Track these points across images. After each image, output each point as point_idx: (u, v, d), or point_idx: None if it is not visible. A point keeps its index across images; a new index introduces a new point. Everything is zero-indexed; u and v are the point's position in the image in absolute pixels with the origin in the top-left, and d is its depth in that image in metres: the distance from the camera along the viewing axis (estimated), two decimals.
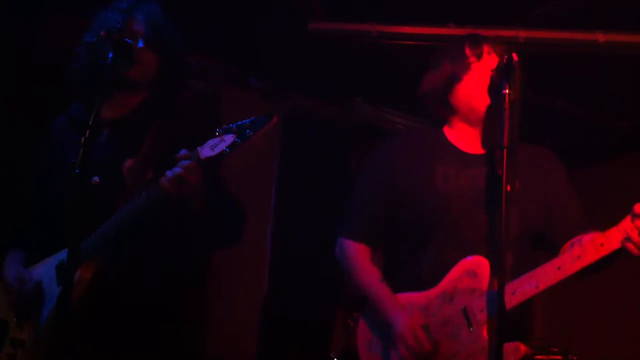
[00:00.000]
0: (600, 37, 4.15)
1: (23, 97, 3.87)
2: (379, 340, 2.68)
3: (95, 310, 2.51)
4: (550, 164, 2.80)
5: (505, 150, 2.37)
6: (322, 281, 4.99)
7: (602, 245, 2.45)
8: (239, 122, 2.37)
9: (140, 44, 2.66)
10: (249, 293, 4.95)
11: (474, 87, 2.69)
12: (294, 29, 4.26)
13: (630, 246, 2.40)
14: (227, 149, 2.34)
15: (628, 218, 2.42)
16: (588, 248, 2.46)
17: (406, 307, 2.62)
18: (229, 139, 2.34)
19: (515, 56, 2.49)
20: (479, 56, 2.71)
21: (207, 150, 2.38)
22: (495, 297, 2.39)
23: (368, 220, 2.82)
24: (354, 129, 5.29)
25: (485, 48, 2.73)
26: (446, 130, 2.82)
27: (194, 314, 2.75)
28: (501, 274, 2.33)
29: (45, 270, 2.66)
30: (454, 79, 2.74)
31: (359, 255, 2.80)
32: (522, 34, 4.10)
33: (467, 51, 2.74)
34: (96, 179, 2.46)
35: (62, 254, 2.57)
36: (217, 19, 4.22)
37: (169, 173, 2.41)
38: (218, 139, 2.37)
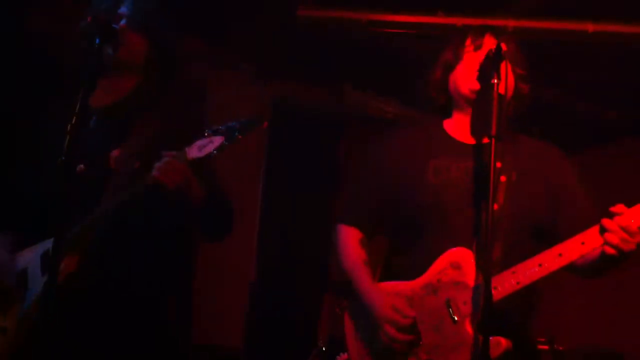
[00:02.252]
0: (590, 27, 4.16)
1: (11, 85, 3.84)
2: (364, 325, 2.67)
3: (79, 301, 2.49)
4: (554, 158, 2.75)
5: (493, 140, 2.36)
6: (310, 269, 5.01)
7: (583, 243, 2.42)
8: (229, 124, 2.37)
9: (122, 22, 2.63)
10: (236, 282, 4.95)
11: (463, 73, 2.69)
12: (283, 15, 4.24)
13: (607, 248, 2.37)
14: (215, 151, 2.34)
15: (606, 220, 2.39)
16: (570, 245, 2.42)
17: (391, 296, 2.61)
18: (218, 140, 2.35)
19: (504, 46, 2.48)
20: (478, 47, 2.69)
21: (194, 151, 2.39)
22: (479, 290, 2.38)
23: (361, 207, 2.82)
24: (343, 115, 5.29)
25: (487, 39, 2.70)
26: (446, 122, 2.83)
27: (180, 305, 2.74)
28: (487, 267, 2.32)
29: (30, 257, 2.63)
30: (450, 68, 2.74)
31: (347, 238, 2.80)
32: (511, 23, 4.10)
33: (468, 41, 2.73)
34: (81, 166, 2.47)
35: (49, 243, 2.50)
36: (208, 3, 4.20)
37: (155, 172, 2.40)
38: (207, 139, 2.38)
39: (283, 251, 5.07)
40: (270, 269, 5.06)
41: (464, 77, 2.67)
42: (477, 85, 2.63)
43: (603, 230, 2.37)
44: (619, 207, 2.37)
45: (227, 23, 4.42)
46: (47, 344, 2.28)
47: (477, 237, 2.52)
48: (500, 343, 2.43)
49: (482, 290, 2.29)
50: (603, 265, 2.48)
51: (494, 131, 2.36)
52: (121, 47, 2.56)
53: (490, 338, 2.35)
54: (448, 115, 2.83)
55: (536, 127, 2.83)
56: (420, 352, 2.52)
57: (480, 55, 2.64)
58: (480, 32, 2.74)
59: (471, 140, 2.73)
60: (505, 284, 2.46)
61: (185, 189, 2.46)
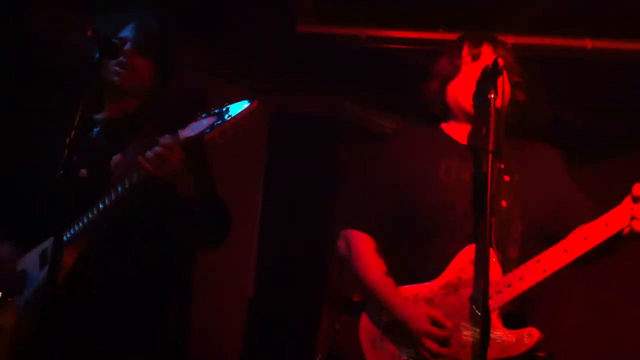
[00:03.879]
0: (588, 43, 4.18)
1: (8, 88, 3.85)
2: (384, 335, 2.62)
3: (76, 297, 2.51)
4: (550, 161, 2.77)
5: (490, 155, 2.37)
6: (309, 280, 4.99)
7: (607, 225, 2.44)
8: (220, 106, 2.42)
9: (127, 46, 2.67)
10: (234, 290, 4.94)
11: (462, 87, 2.68)
12: (283, 30, 4.27)
13: (637, 224, 2.41)
14: (207, 129, 2.38)
15: (629, 198, 2.43)
16: (594, 229, 2.44)
17: (410, 299, 2.57)
18: (210, 120, 2.39)
19: (501, 61, 2.49)
20: (475, 57, 2.69)
21: (187, 132, 2.43)
22: (501, 283, 2.43)
23: (373, 211, 2.74)
24: (341, 127, 5.30)
25: (484, 49, 2.71)
26: (444, 126, 2.82)
27: (177, 307, 2.76)
28: (484, 274, 2.30)
29: (29, 259, 2.66)
30: (447, 79, 2.74)
31: (364, 246, 2.71)
32: (511, 39, 4.11)
33: (465, 51, 2.72)
34: (83, 171, 2.52)
35: (46, 244, 2.60)
36: (207, 17, 4.23)
37: (149, 153, 2.44)
38: (199, 121, 2.43)
39: (281, 265, 5.05)
40: (269, 283, 5.04)
41: (465, 93, 2.67)
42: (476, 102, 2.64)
43: (636, 200, 2.40)
44: (638, 188, 2.40)
45: (226, 37, 4.44)
46: (46, 343, 2.31)
47: (491, 235, 2.43)
48: (532, 334, 2.44)
49: (482, 291, 2.27)
50: (621, 244, 2.49)
51: (491, 147, 2.37)
52: (129, 72, 2.62)
53: (523, 330, 2.42)
54: (441, 122, 2.83)
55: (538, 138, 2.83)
56: (447, 352, 2.48)
57: (479, 65, 2.63)
58: (477, 41, 2.73)
59: (472, 143, 2.73)
60: (531, 273, 2.46)
61: (178, 177, 2.49)
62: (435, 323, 2.49)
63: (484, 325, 2.25)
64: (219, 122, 2.37)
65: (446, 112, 2.80)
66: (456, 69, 2.71)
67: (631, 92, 4.63)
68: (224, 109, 2.40)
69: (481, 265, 2.39)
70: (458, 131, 2.77)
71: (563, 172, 2.75)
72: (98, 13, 2.80)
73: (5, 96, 3.80)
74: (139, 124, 2.70)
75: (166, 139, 2.43)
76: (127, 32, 2.72)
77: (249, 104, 2.39)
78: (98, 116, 2.76)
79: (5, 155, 2.97)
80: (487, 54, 2.68)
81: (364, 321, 2.68)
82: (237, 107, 2.38)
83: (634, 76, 4.44)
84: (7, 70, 3.80)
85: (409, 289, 2.61)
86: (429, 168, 2.69)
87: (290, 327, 4.87)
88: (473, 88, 2.63)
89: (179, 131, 2.44)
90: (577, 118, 5.16)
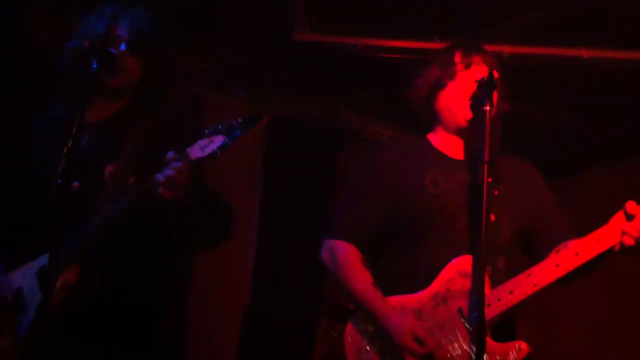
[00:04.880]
0: (584, 53, 4.19)
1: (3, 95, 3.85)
2: (370, 346, 2.63)
3: (79, 313, 2.51)
4: (531, 176, 2.83)
5: (485, 165, 2.38)
6: (306, 287, 4.98)
7: (598, 241, 2.49)
8: (228, 123, 2.36)
9: (123, 47, 2.66)
10: (232, 296, 4.92)
11: (456, 96, 2.70)
12: (279, 39, 4.27)
13: (627, 239, 2.47)
14: (218, 150, 2.32)
15: (620, 215, 2.49)
16: (585, 245, 2.49)
17: (397, 310, 2.59)
18: (219, 140, 2.33)
19: (495, 74, 2.50)
20: (468, 65, 2.71)
21: (197, 151, 2.36)
22: (490, 296, 2.45)
23: (359, 222, 2.76)
24: (338, 134, 5.30)
25: (475, 58, 2.73)
26: (430, 137, 2.84)
27: (176, 318, 2.76)
28: (479, 287, 2.32)
29: (24, 276, 2.63)
30: (438, 86, 2.75)
31: (350, 257, 2.73)
32: (507, 49, 4.13)
33: (457, 58, 2.74)
34: (75, 183, 2.48)
35: (43, 259, 2.55)
36: (203, 26, 4.23)
37: (159, 176, 2.39)
38: (207, 139, 2.36)
39: (279, 272, 5.04)
40: (266, 290, 5.03)
41: (459, 101, 2.69)
42: (469, 112, 2.66)
43: (630, 217, 2.47)
44: (631, 206, 2.47)
45: (222, 45, 4.44)
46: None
47: (479, 246, 2.50)
48: (521, 348, 2.45)
49: (477, 301, 2.29)
50: (594, 268, 2.55)
51: (486, 157, 2.38)
52: (119, 72, 2.61)
53: (512, 343, 2.44)
54: (430, 129, 2.85)
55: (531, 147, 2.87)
56: None
57: (470, 74, 2.67)
58: (468, 50, 2.76)
59: (459, 156, 2.77)
60: (521, 287, 2.49)
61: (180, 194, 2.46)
62: (417, 340, 2.51)
63: (479, 340, 2.25)
64: (229, 142, 2.31)
65: (433, 120, 2.82)
66: (449, 77, 2.72)
67: (626, 100, 4.65)
68: (233, 125, 2.34)
69: (475, 278, 2.41)
70: (445, 142, 2.80)
71: (544, 188, 2.81)
72: (91, 11, 2.78)
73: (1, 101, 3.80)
74: (129, 129, 2.67)
75: (177, 164, 2.38)
76: (120, 30, 2.69)
77: (258, 121, 2.34)
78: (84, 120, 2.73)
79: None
80: (478, 63, 2.71)
81: (350, 331, 2.68)
82: (247, 125, 2.33)
83: (628, 85, 4.46)
84: (4, 74, 3.81)
85: (396, 300, 2.63)
86: (414, 178, 2.70)
87: (287, 334, 4.87)
88: (467, 96, 2.64)
89: (187, 150, 2.39)
90: (570, 126, 5.17)
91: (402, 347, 2.52)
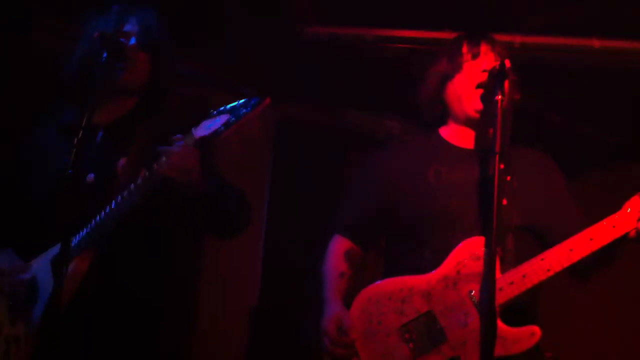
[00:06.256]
0: (595, 42, 4.17)
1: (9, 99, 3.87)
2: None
3: (90, 303, 2.52)
4: (545, 167, 2.82)
5: (497, 156, 2.37)
6: (314, 294, 4.96)
7: (614, 227, 2.46)
8: (233, 104, 2.38)
9: (133, 41, 2.67)
10: (239, 299, 4.92)
11: (464, 87, 2.71)
12: (285, 34, 4.25)
13: None
14: (222, 127, 2.32)
15: (636, 200, 2.46)
16: (600, 230, 2.46)
17: (405, 292, 2.57)
18: (224, 118, 2.34)
19: (507, 62, 2.49)
20: (475, 55, 2.72)
21: (201, 130, 2.38)
22: (502, 280, 2.42)
23: (356, 216, 2.83)
24: (346, 135, 5.29)
25: (483, 48, 2.73)
26: (442, 130, 2.85)
27: (182, 320, 2.76)
28: (491, 265, 2.28)
29: (40, 264, 2.65)
30: (447, 78, 2.76)
31: (334, 248, 2.81)
32: (518, 39, 4.11)
33: (464, 49, 2.75)
34: (91, 176, 2.52)
35: (57, 249, 2.52)
36: (208, 26, 4.22)
37: (164, 159, 2.40)
38: (212, 119, 2.38)
39: (287, 274, 5.02)
40: (273, 292, 5.02)
41: (468, 90, 2.69)
42: (481, 106, 2.65)
43: None
44: None
45: (227, 45, 4.43)
46: (60, 352, 2.30)
47: (488, 229, 2.48)
48: (534, 333, 2.43)
49: (488, 282, 2.26)
50: (611, 257, 2.53)
51: (498, 148, 2.37)
52: (129, 66, 2.62)
53: (525, 328, 2.40)
54: (443, 122, 2.84)
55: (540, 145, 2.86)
56: (445, 348, 2.48)
57: (478, 64, 2.67)
58: (475, 40, 2.76)
59: (470, 146, 2.76)
60: (534, 271, 2.46)
61: (189, 177, 2.47)
62: (340, 329, 2.53)
63: (489, 323, 2.22)
64: (233, 119, 2.32)
65: (444, 113, 2.82)
66: (457, 67, 2.73)
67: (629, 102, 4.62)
68: (237, 105, 2.35)
69: (486, 261, 2.36)
70: (456, 134, 2.80)
71: (558, 181, 2.79)
72: (98, 13, 2.80)
73: (6, 102, 3.81)
74: (140, 125, 2.69)
75: (181, 143, 2.40)
76: (129, 26, 2.71)
77: (262, 101, 2.34)
78: (96, 119, 2.70)
79: (8, 158, 2.97)
80: (486, 53, 2.72)
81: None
82: (250, 105, 2.33)
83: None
84: (8, 77, 3.83)
85: (404, 281, 2.61)
86: (417, 174, 2.72)
87: (294, 337, 4.85)
88: (474, 85, 2.65)
89: (193, 130, 2.40)
90: (577, 125, 5.15)
91: (322, 331, 2.56)
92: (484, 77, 2.60)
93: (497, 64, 2.50)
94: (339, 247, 2.80)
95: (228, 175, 2.73)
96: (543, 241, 2.67)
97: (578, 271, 2.57)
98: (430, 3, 4.11)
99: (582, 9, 4.00)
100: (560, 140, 5.00)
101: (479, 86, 2.63)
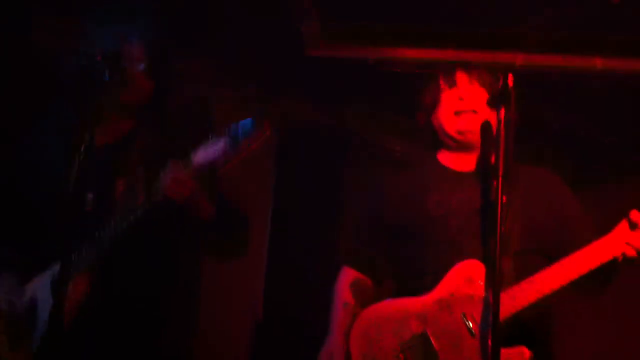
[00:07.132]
0: (598, 62, 4.17)
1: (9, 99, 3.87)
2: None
3: (92, 317, 2.54)
4: (548, 184, 2.84)
5: (500, 179, 2.37)
6: (319, 298, 4.94)
7: (601, 250, 2.50)
8: (231, 127, 2.41)
9: (141, 67, 2.68)
10: (243, 314, 4.91)
11: (443, 115, 2.83)
12: (291, 51, 4.27)
13: (629, 249, 2.48)
14: (220, 156, 2.38)
15: (624, 224, 2.48)
16: (589, 254, 2.50)
17: (401, 313, 2.61)
18: (221, 143, 2.39)
19: (510, 80, 2.50)
20: (452, 85, 2.84)
21: (199, 156, 2.43)
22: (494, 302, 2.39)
23: (357, 247, 2.92)
24: (349, 139, 5.30)
25: (459, 76, 2.83)
26: (439, 153, 2.92)
27: (184, 334, 2.76)
28: (497, 281, 2.30)
29: (38, 285, 2.66)
30: (431, 110, 2.90)
31: (340, 278, 2.91)
32: (520, 58, 4.11)
33: (441, 80, 2.87)
34: (90, 196, 2.52)
35: (56, 267, 2.53)
36: (209, 26, 4.24)
37: (158, 185, 2.45)
38: (210, 144, 2.42)
39: (292, 289, 5.01)
40: (278, 307, 5.01)
41: (448, 120, 2.81)
42: (461, 126, 2.75)
43: (634, 226, 2.48)
44: (635, 214, 2.48)
45: (229, 44, 4.45)
46: None
47: (485, 252, 2.53)
48: (523, 353, 2.43)
49: (490, 303, 2.27)
50: (607, 279, 2.58)
51: (500, 171, 2.37)
52: (132, 89, 2.64)
53: (514, 348, 2.41)
54: (439, 146, 2.93)
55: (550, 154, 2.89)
56: None
57: (455, 92, 2.79)
58: (449, 70, 2.87)
59: (467, 168, 2.81)
60: (524, 293, 2.49)
61: (193, 201, 2.48)
62: None
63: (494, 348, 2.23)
64: (230, 145, 2.36)
65: (437, 141, 2.92)
66: (436, 100, 2.86)
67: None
68: (235, 131, 2.38)
69: (487, 285, 2.45)
70: (451, 158, 2.88)
71: (561, 196, 2.81)
72: (98, 24, 2.80)
73: (6, 102, 3.82)
74: (138, 147, 2.71)
75: (178, 171, 2.41)
76: (129, 44, 2.72)
77: (260, 126, 2.39)
78: (97, 137, 2.70)
79: (8, 158, 2.97)
80: (462, 79, 2.83)
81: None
82: (248, 130, 2.37)
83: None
84: (8, 77, 3.83)
85: (399, 303, 2.66)
86: (418, 204, 2.78)
87: (299, 354, 4.84)
88: (453, 112, 2.77)
89: (192, 155, 2.43)
90: (585, 136, 5.14)
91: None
92: (461, 105, 2.74)
93: (499, 82, 2.51)
94: (344, 278, 2.89)
95: (230, 189, 2.74)
96: (551, 262, 2.65)
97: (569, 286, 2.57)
98: (432, 24, 4.12)
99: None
100: (570, 151, 5.01)
101: (457, 113, 2.76)
